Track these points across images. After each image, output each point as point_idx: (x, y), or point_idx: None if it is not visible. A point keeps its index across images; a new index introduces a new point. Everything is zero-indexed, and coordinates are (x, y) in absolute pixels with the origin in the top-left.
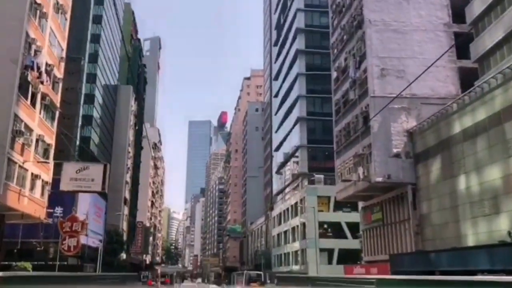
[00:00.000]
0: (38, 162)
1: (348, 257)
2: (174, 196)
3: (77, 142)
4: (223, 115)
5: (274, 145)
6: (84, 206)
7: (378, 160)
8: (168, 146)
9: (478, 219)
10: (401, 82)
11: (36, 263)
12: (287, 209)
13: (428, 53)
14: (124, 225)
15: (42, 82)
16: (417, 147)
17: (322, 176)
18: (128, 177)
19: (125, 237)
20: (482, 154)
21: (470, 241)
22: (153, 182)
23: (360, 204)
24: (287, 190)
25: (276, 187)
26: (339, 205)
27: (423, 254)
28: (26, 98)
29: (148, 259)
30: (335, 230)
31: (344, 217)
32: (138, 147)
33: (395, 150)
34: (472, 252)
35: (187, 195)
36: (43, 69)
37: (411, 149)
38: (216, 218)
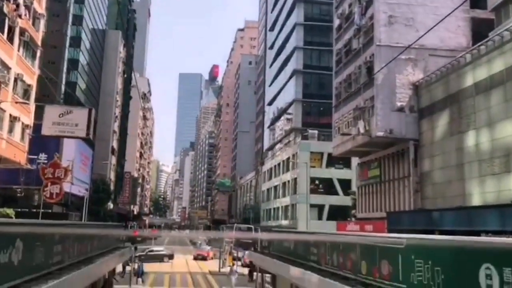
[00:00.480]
0: (16, 102)
1: (338, 214)
2: (163, 149)
3: (63, 87)
4: (214, 69)
5: (267, 100)
6: (69, 153)
7: (380, 113)
8: (157, 99)
9: (486, 177)
10: (409, 31)
11: (19, 209)
12: (279, 164)
13: (439, 1)
14: (112, 175)
15: (20, 16)
16: (422, 101)
17: (316, 132)
18: (116, 126)
19: (112, 187)
20: (496, 109)
21: (476, 201)
22: (142, 133)
23: (357, 160)
24: (279, 145)
25: (267, 142)
26: (332, 162)
27: (424, 212)
28: (2, 32)
29: (136, 209)
30: (326, 186)
31: (336, 173)
32: (126, 96)
33: (398, 104)
34: (480, 211)
35: (176, 149)
36: (21, 1)
37: (415, 103)
38: (205, 172)
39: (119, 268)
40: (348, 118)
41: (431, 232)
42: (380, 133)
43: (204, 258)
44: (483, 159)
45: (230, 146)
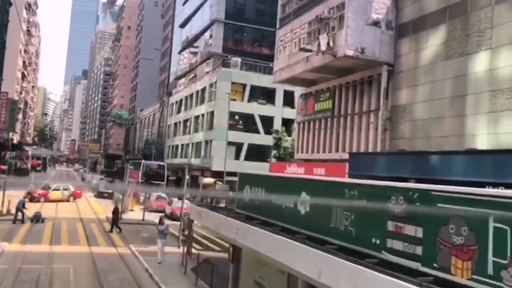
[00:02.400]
0: None
1: (258, 154)
2: (52, 76)
3: None
4: None
5: (178, 22)
6: None
7: (352, 26)
8: (47, 19)
9: (501, 114)
10: None
11: None
12: (191, 95)
13: None
14: None
15: None
16: (404, 15)
17: (239, 59)
18: None
19: None
20: None
21: (482, 143)
22: (25, 51)
23: (282, 95)
24: (192, 74)
25: (177, 69)
26: (254, 95)
27: (411, 156)
28: None
29: (16, 138)
30: (246, 123)
31: (258, 109)
32: (4, 1)
33: (374, 16)
34: (505, 157)
35: (66, 77)
36: None
37: (394, 17)
38: (99, 103)
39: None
40: (301, 33)
41: (404, 180)
42: (350, 52)
43: (34, 199)
44: (498, 90)
45: (130, 75)
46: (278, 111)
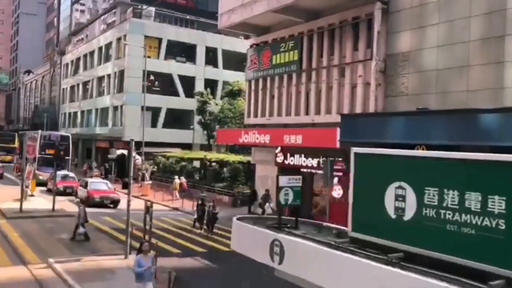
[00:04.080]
0: None
1: (178, 120)
2: None
3: None
4: None
5: None
6: None
7: None
8: None
9: None
10: None
11: None
12: (92, 52)
13: None
14: None
15: None
16: None
17: (153, 9)
18: None
19: None
20: None
21: None
22: None
23: (204, 51)
24: (91, 28)
25: (71, 24)
26: (171, 52)
27: (445, 115)
28: None
29: None
30: (163, 84)
31: (177, 68)
32: None
33: None
34: None
35: None
36: None
37: None
38: None
39: None
40: None
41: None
42: None
43: None
44: None
45: (8, 33)
46: (200, 71)
